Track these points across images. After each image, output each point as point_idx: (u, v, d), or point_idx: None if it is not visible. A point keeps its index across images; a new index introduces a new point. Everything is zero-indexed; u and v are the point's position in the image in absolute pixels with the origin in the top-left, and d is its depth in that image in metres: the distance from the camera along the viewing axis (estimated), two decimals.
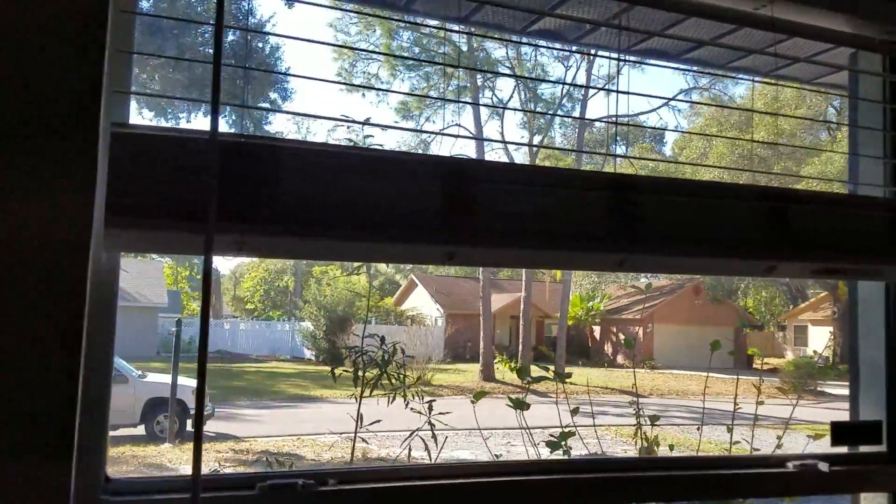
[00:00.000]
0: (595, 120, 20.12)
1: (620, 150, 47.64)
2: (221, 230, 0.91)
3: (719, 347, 3.88)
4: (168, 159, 0.91)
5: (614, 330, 31.29)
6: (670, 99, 25.85)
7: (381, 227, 1.01)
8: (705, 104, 31.18)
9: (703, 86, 25.65)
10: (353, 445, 3.03)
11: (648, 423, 3.93)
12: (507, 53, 24.52)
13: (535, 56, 25.29)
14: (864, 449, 1.43)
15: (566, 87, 25.40)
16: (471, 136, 24.47)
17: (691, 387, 21.80)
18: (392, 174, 1.00)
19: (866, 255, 1.24)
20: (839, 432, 1.40)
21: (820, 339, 32.13)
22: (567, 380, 3.77)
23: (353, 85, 21.92)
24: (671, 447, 4.53)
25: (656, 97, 25.14)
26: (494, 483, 1.19)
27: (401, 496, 1.13)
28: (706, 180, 1.26)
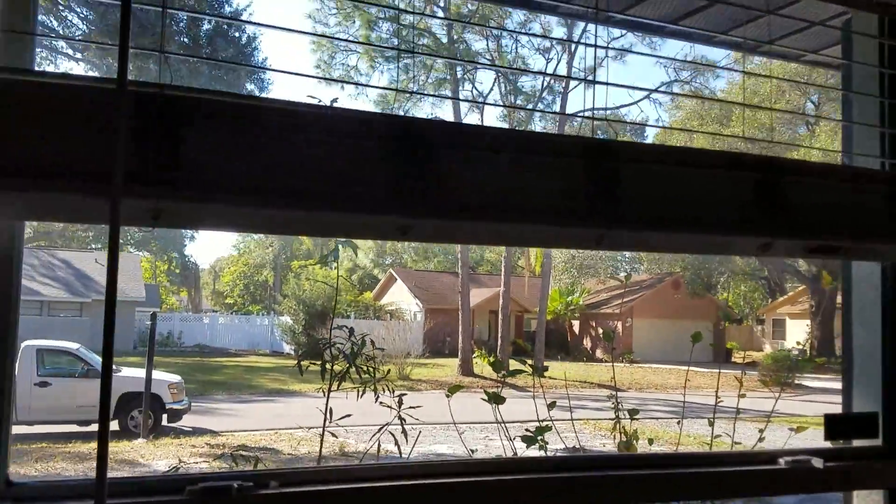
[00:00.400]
0: (574, 115, 20.04)
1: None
2: (133, 195, 0.78)
3: (700, 339, 3.80)
4: (70, 111, 0.77)
5: (593, 324, 31.35)
6: (651, 91, 25.86)
7: (325, 197, 0.88)
8: (687, 96, 31.31)
9: (685, 79, 25.70)
10: (322, 440, 2.89)
11: (627, 417, 3.84)
12: (487, 45, 24.38)
13: (516, 48, 25.16)
14: (857, 443, 1.33)
15: (546, 79, 25.30)
16: None
17: (670, 380, 21.88)
18: (337, 134, 0.87)
19: (865, 232, 1.13)
20: (833, 426, 1.30)
21: (797, 333, 32.44)
22: (545, 374, 3.66)
23: (328, 79, 21.63)
24: (650, 441, 4.45)
25: (637, 88, 25.18)
26: (458, 483, 1.07)
27: (350, 499, 1.01)
28: (693, 147, 1.14)
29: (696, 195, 1.07)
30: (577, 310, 31.58)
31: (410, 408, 2.78)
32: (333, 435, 2.99)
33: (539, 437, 2.99)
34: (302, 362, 2.94)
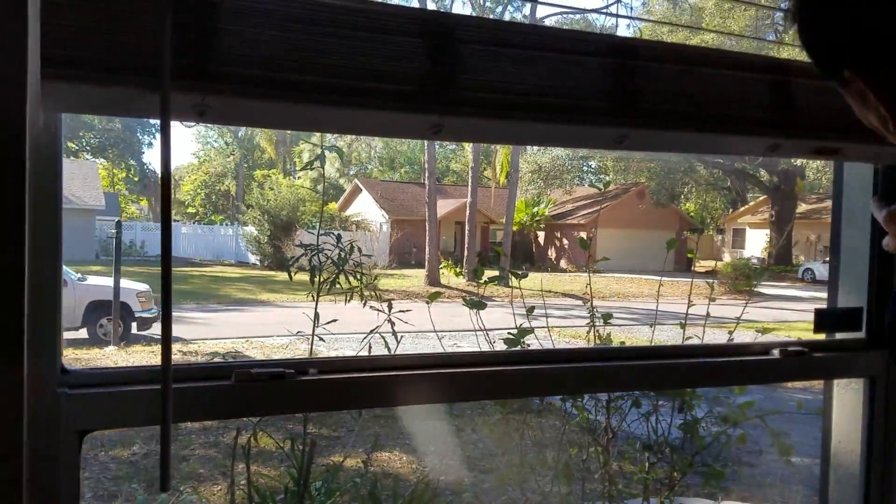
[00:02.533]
0: (546, 17, 19.62)
1: None
2: (179, 90, 0.78)
3: (675, 246, 3.92)
4: (121, 3, 0.76)
5: (559, 235, 31.81)
6: None
7: (363, 93, 0.88)
8: None
9: None
10: (312, 343, 2.97)
11: (602, 322, 3.99)
12: None
13: None
14: (840, 336, 1.43)
15: None
16: None
17: (632, 289, 22.52)
18: (374, 30, 0.87)
19: (862, 135, 1.17)
20: (822, 319, 1.39)
21: (757, 242, 33.43)
22: (521, 280, 3.75)
23: None
24: (622, 344, 4.65)
25: None
26: (474, 373, 1.13)
27: (380, 385, 1.07)
28: (709, 47, 1.15)
29: (712, 96, 1.09)
30: (543, 221, 31.93)
31: (401, 311, 2.86)
32: (321, 339, 3.07)
33: (521, 340, 3.11)
34: (291, 271, 2.98)
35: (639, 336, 13.07)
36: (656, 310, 4.17)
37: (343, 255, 2.94)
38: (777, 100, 1.13)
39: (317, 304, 2.98)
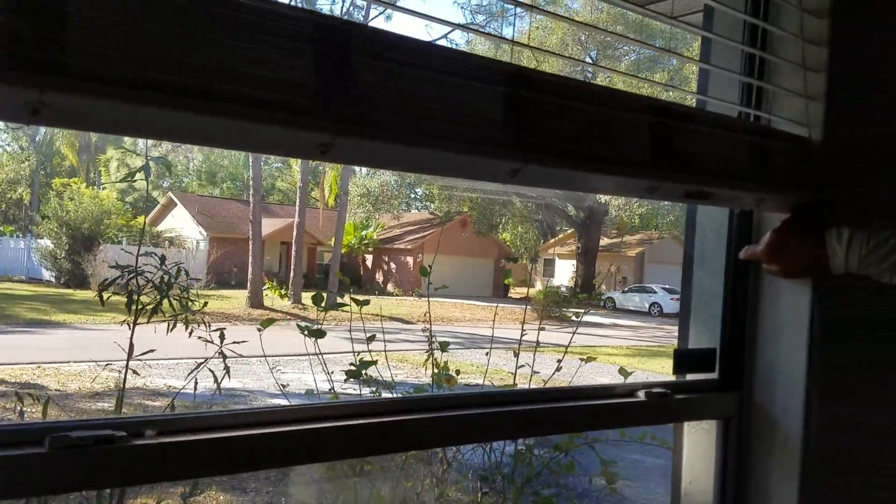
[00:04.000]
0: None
1: None
2: (8, 82, 0.59)
3: (510, 277, 3.98)
4: None
5: (386, 259, 31.94)
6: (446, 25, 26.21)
7: (241, 101, 0.74)
8: (483, 35, 32.23)
9: (479, 23, 26.41)
10: (125, 376, 2.64)
11: (439, 350, 3.95)
12: None
13: None
14: (691, 377, 1.46)
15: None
16: None
17: (455, 314, 23.07)
18: (260, 30, 0.73)
19: (732, 180, 1.21)
20: (681, 360, 1.41)
21: (565, 272, 35.69)
22: (362, 307, 3.62)
23: None
24: (457, 372, 4.65)
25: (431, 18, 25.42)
26: (346, 427, 1.00)
27: (234, 444, 0.91)
28: (600, 84, 1.12)
29: (601, 136, 1.06)
30: (371, 244, 31.92)
31: (235, 343, 2.62)
32: (135, 372, 2.74)
33: (363, 371, 2.98)
34: (103, 293, 2.63)
35: (463, 360, 13.38)
36: (492, 336, 4.22)
37: (168, 278, 2.66)
38: (658, 142, 1.12)
39: (133, 333, 2.66)
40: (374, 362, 3.06)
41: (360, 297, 3.66)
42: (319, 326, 3.16)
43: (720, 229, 1.47)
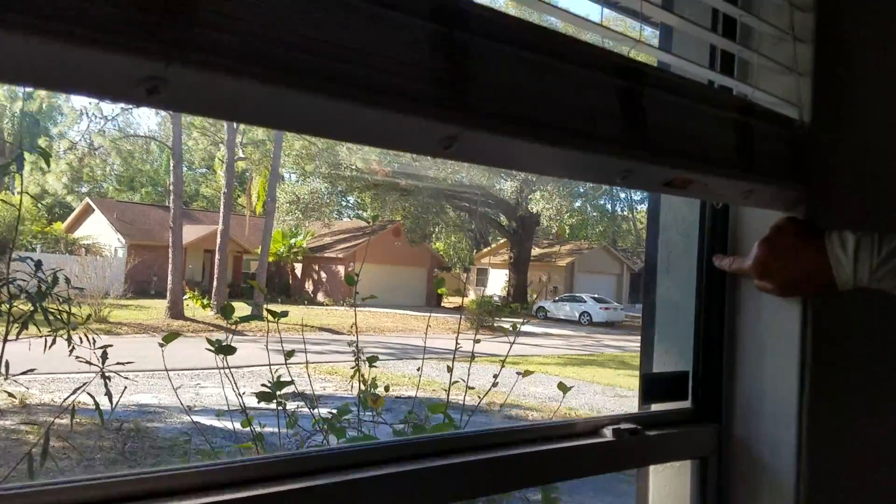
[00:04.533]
0: None
1: None
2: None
3: (443, 285, 3.71)
4: None
5: (316, 268, 31.22)
6: None
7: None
8: None
9: None
10: None
11: (367, 364, 3.66)
12: None
13: None
14: (658, 407, 1.22)
15: None
16: None
17: (387, 324, 22.68)
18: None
19: (716, 166, 0.97)
20: (651, 387, 1.17)
21: (498, 281, 35.75)
22: (279, 319, 3.29)
23: None
24: (387, 388, 4.35)
25: None
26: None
27: None
28: (554, 30, 0.88)
29: (557, 98, 0.81)
30: (301, 253, 31.14)
31: (120, 364, 2.25)
32: (9, 394, 2.34)
33: (277, 392, 2.65)
34: None
35: (395, 372, 13.01)
36: (424, 346, 3.95)
37: (45, 287, 2.27)
38: (630, 113, 0.87)
39: (3, 347, 2.26)
40: (290, 382, 2.73)
41: (279, 309, 3.33)
42: (228, 342, 2.81)
43: (689, 230, 1.24)
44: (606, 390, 12.86)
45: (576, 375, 14.55)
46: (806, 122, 1.12)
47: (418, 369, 3.67)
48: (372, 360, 3.75)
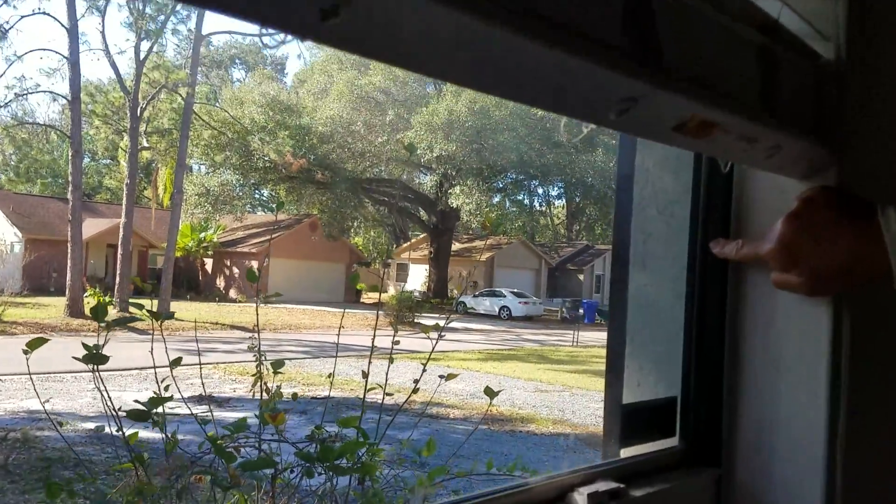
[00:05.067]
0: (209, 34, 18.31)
1: (239, 73, 45.67)
2: None
3: (358, 280, 3.34)
4: None
5: (228, 263, 30.05)
6: None
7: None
8: None
9: None
10: None
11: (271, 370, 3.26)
12: None
13: None
14: (634, 450, 0.90)
15: None
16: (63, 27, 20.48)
17: (304, 321, 22.00)
18: None
19: (744, 107, 0.65)
20: (632, 422, 0.84)
21: (418, 276, 35.42)
22: (169, 319, 2.85)
23: None
24: (294, 396, 3.94)
25: None
26: None
27: None
28: None
29: None
30: (212, 247, 29.85)
31: None
32: None
33: (153, 411, 2.22)
34: None
35: (310, 370, 12.47)
36: (337, 343, 3.56)
37: None
38: (633, 16, 0.54)
39: None
40: (169, 398, 2.29)
41: (187, 306, 2.89)
42: (100, 351, 2.35)
43: (675, 207, 0.93)
44: (528, 385, 12.75)
45: (497, 371, 14.40)
46: (842, 58, 0.82)
47: (329, 376, 3.26)
48: (277, 365, 3.33)
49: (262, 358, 3.34)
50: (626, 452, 0.84)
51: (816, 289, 0.77)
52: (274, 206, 35.96)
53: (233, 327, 18.62)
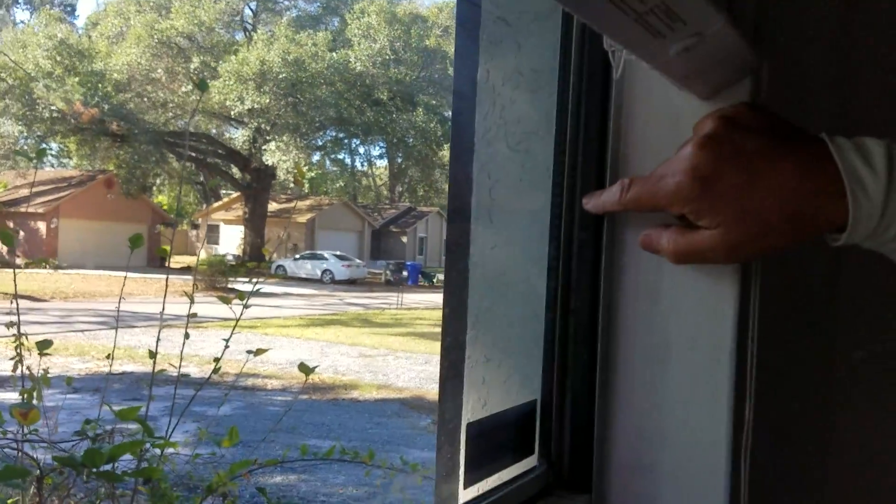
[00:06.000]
0: None
1: (23, 15, 40.73)
2: None
3: (141, 244, 2.86)
4: None
5: (12, 224, 26.66)
6: None
7: None
8: None
9: None
10: None
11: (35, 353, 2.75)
12: None
13: None
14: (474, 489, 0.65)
15: None
16: None
17: (101, 288, 20.09)
18: None
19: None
20: (476, 441, 0.58)
21: (232, 239, 33.68)
22: None
23: None
24: (69, 381, 3.37)
25: None
26: None
27: None
28: None
29: None
30: None
31: None
32: None
33: None
34: None
35: (107, 343, 11.30)
36: (117, 312, 3.07)
37: None
38: None
39: None
40: None
41: None
42: None
43: (532, 141, 0.67)
44: (351, 350, 12.52)
45: (319, 336, 14.00)
46: None
47: (125, 349, 2.79)
48: (43, 345, 2.83)
49: (23, 339, 2.80)
50: (468, 491, 0.59)
51: (737, 250, 0.54)
52: (63, 160, 32.29)
53: (19, 296, 16.53)
